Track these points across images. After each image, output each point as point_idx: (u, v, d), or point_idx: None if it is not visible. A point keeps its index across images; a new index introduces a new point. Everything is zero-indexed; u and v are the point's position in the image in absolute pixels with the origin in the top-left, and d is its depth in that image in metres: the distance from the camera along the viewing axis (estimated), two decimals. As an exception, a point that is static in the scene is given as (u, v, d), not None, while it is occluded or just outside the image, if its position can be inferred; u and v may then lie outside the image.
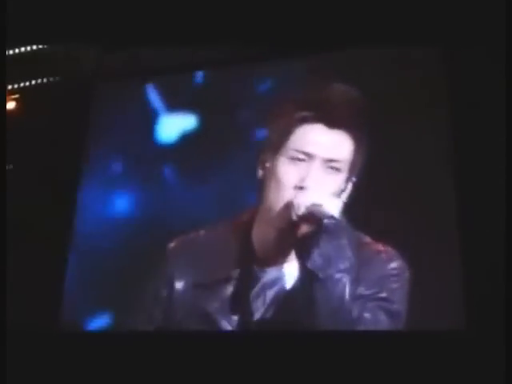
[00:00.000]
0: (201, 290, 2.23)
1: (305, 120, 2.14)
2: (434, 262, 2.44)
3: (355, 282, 2.01)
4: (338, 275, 1.97)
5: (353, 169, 2.16)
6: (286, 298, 2.18)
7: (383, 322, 2.10)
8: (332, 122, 2.11)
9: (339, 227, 2.01)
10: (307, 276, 2.01)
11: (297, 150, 2.13)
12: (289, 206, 2.08)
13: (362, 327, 2.05)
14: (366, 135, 2.18)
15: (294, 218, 2.06)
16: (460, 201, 2.48)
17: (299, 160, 2.12)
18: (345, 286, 1.98)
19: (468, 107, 2.61)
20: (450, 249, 2.48)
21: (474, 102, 2.59)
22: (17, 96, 3.58)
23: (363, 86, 2.64)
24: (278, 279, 2.21)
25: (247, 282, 2.22)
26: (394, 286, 2.15)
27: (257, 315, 2.19)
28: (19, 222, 3.13)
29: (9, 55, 3.45)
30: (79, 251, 3.07)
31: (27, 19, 2.73)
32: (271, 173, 2.18)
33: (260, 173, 2.23)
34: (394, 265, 2.17)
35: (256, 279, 2.21)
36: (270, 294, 2.19)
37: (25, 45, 3.36)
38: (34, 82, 3.63)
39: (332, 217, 2.01)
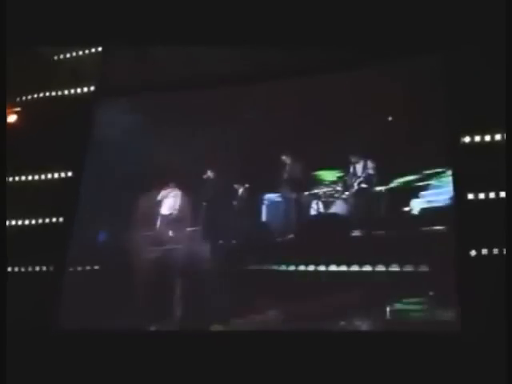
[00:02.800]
0: None
1: None
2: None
3: None
4: None
5: None
6: None
7: None
8: None
9: None
10: None
11: None
12: None
13: None
14: None
15: None
16: (458, 199, 2.49)
17: None
18: None
19: (467, 111, 2.62)
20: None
21: (473, 105, 2.61)
22: (19, 109, 3.61)
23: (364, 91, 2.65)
24: None
25: None
26: None
27: None
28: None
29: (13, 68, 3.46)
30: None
31: (27, 24, 2.76)
32: None
33: None
34: None
35: None
36: None
37: (25, 49, 3.40)
38: (36, 96, 3.66)
39: None
